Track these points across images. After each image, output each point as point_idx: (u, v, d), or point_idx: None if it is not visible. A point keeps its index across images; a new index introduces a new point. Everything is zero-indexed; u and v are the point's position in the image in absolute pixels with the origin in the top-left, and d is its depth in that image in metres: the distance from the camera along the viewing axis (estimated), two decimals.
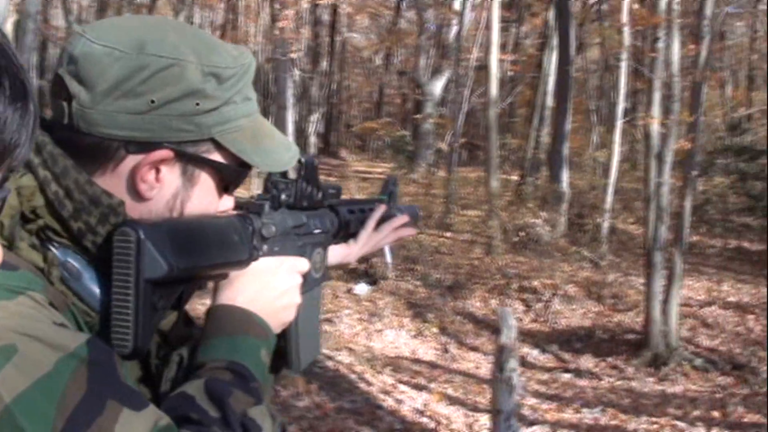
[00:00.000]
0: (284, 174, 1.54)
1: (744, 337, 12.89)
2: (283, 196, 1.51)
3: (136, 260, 1.15)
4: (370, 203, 1.94)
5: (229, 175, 1.34)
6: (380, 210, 1.91)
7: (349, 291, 14.24)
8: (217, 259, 1.31)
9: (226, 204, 1.38)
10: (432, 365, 11.61)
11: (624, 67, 18.40)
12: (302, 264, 1.52)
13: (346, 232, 1.81)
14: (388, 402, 8.99)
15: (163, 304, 1.23)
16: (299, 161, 1.52)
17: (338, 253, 1.82)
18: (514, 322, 6.80)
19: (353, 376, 9.60)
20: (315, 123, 38.90)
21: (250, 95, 1.34)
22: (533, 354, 12.66)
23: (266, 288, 1.42)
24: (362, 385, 9.36)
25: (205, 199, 1.32)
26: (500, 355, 6.66)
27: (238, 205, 1.44)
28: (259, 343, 1.35)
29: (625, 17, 17.23)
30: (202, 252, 1.27)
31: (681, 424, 8.75)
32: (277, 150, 1.36)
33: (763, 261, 17.91)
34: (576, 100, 26.63)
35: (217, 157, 1.30)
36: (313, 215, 1.63)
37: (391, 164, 28.78)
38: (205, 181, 1.31)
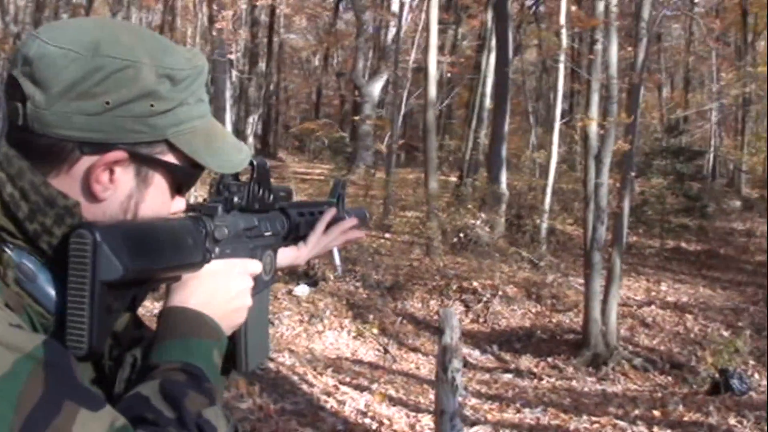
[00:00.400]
0: (236, 176, 1.52)
1: (683, 337, 13.04)
2: (235, 199, 1.50)
3: (92, 262, 1.14)
4: (320, 206, 1.92)
5: (183, 176, 1.33)
6: (330, 213, 1.89)
7: (289, 292, 14.16)
8: (172, 262, 1.29)
9: (178, 205, 1.37)
10: (373, 366, 11.58)
11: (562, 68, 18.52)
12: (254, 266, 1.51)
13: (296, 235, 1.79)
14: (331, 403, 8.94)
15: (117, 305, 1.22)
16: (251, 164, 1.52)
17: (287, 256, 1.80)
18: (457, 323, 6.78)
19: (295, 378, 9.53)
20: (253, 124, 38.73)
21: (203, 97, 1.33)
22: (474, 354, 12.69)
23: (219, 290, 1.40)
24: (304, 387, 9.30)
25: (159, 200, 1.31)
26: (443, 356, 6.63)
27: (191, 208, 1.43)
28: (211, 345, 1.34)
29: (563, 19, 17.35)
30: (157, 254, 1.26)
31: (622, 423, 8.80)
32: (229, 151, 1.35)
33: (700, 261, 18.20)
34: (514, 101, 26.86)
35: (170, 158, 1.29)
36: (264, 218, 1.61)
37: (329, 165, 28.73)
38: (159, 183, 1.30)
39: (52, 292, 1.20)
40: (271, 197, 1.63)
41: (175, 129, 1.27)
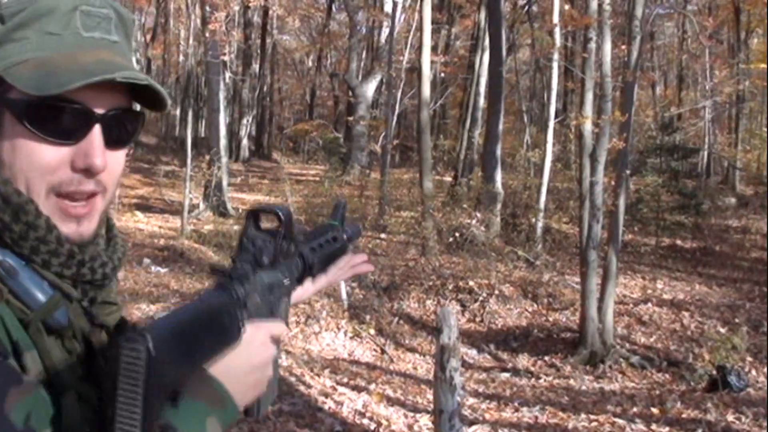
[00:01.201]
0: (258, 226, 1.48)
1: (680, 334, 13.05)
2: (265, 259, 1.44)
3: (146, 374, 1.10)
4: (325, 232, 1.83)
5: (24, 109, 1.21)
6: (346, 258, 1.84)
7: None
8: (214, 351, 1.27)
9: (53, 154, 1.23)
10: (370, 366, 11.57)
11: (556, 67, 18.55)
12: (278, 329, 1.44)
13: (309, 274, 1.71)
14: (329, 404, 8.92)
15: (161, 398, 1.17)
16: (277, 216, 1.48)
17: (295, 294, 1.71)
18: (455, 322, 6.76)
19: (293, 379, 9.51)
20: (247, 126, 38.77)
21: (56, 30, 1.24)
22: (471, 354, 12.68)
23: (239, 362, 1.31)
24: (302, 388, 9.28)
25: (20, 146, 1.23)
26: (441, 355, 6.62)
27: (220, 271, 1.37)
28: (208, 410, 1.24)
29: (556, 18, 17.37)
30: (200, 348, 1.23)
31: (620, 421, 8.79)
32: (64, 74, 1.20)
33: (696, 259, 18.21)
34: (508, 101, 26.87)
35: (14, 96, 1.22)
36: (284, 268, 1.54)
37: (324, 166, 28.72)
38: (9, 125, 1.23)
39: (33, 289, 1.19)
40: (294, 247, 1.57)
41: (3, 63, 1.21)
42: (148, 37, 43.34)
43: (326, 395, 9.23)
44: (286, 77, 50.91)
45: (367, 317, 13.73)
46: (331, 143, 31.62)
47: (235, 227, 19.66)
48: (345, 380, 10.29)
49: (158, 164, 29.03)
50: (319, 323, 13.16)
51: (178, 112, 39.80)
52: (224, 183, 22.92)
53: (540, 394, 10.46)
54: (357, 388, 9.94)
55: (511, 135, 29.01)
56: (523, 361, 12.40)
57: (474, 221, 17.09)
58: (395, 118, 22.84)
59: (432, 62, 22.75)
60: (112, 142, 1.27)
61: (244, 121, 38.72)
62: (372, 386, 10.20)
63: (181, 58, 26.91)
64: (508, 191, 20.12)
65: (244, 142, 39.04)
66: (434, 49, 30.63)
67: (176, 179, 27.22)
